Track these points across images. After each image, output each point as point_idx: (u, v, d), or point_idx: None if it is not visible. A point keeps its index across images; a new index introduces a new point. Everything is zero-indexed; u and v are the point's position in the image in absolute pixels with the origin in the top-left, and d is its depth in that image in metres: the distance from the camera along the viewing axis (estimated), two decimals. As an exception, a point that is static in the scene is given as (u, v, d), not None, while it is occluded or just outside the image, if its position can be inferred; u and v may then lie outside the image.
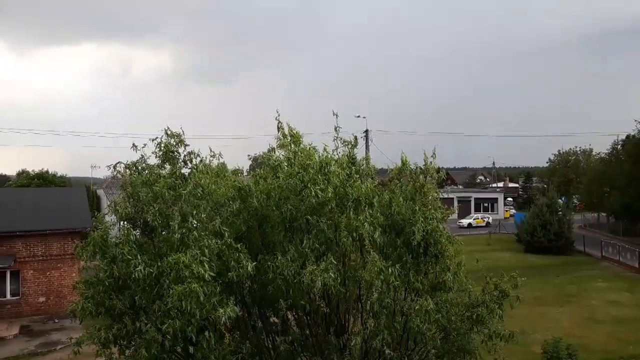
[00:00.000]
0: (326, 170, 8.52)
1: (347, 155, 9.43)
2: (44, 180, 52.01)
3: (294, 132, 9.26)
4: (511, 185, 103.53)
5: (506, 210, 73.57)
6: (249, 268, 7.78)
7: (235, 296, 8.09)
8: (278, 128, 9.28)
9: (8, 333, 20.34)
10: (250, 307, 9.36)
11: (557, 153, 72.78)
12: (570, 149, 72.26)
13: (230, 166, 10.43)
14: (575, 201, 67.35)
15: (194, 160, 9.60)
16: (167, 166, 9.49)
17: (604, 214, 58.30)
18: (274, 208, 8.86)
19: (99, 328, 8.52)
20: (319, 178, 8.34)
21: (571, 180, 67.18)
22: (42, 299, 23.20)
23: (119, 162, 9.48)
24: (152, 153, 9.44)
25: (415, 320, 7.78)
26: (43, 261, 23.28)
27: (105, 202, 43.92)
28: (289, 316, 9.67)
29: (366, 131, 39.92)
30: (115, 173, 9.59)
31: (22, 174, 59.18)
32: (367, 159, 10.37)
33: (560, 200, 47.40)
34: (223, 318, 7.20)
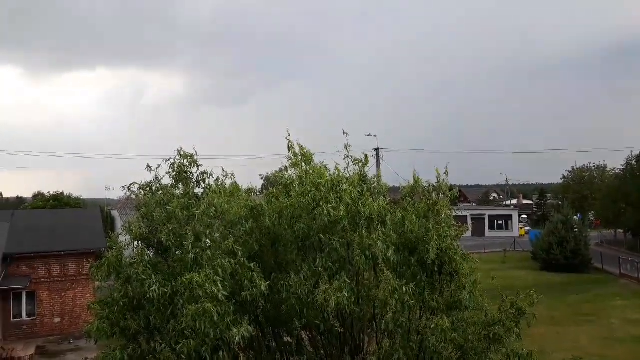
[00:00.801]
0: (338, 189, 8.53)
1: (358, 174, 9.46)
2: (59, 202, 52.61)
3: (305, 151, 9.34)
4: (525, 202, 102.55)
5: (521, 228, 72.81)
6: (263, 287, 7.77)
7: (249, 316, 8.08)
8: (289, 147, 9.36)
9: (24, 354, 20.40)
10: (263, 327, 9.32)
11: (570, 169, 72.19)
12: (584, 165, 71.65)
13: (243, 186, 10.49)
14: (591, 218, 66.39)
15: (207, 180, 9.69)
16: (181, 186, 9.59)
17: (620, 231, 57.43)
18: (287, 227, 8.87)
19: (114, 348, 8.52)
20: (331, 196, 8.35)
21: (586, 196, 66.39)
22: (57, 320, 23.31)
23: (133, 183, 9.61)
24: (166, 173, 9.56)
25: (432, 339, 7.69)
26: (58, 282, 23.46)
27: (119, 223, 44.22)
28: (303, 336, 9.61)
29: (377, 149, 39.92)
30: (129, 194, 9.70)
31: (38, 196, 60.05)
32: (378, 177, 10.37)
33: (576, 217, 46.80)
34: (237, 338, 7.17)
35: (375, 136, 40.68)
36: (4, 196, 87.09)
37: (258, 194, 11.99)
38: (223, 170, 9.90)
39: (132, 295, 8.37)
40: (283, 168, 9.77)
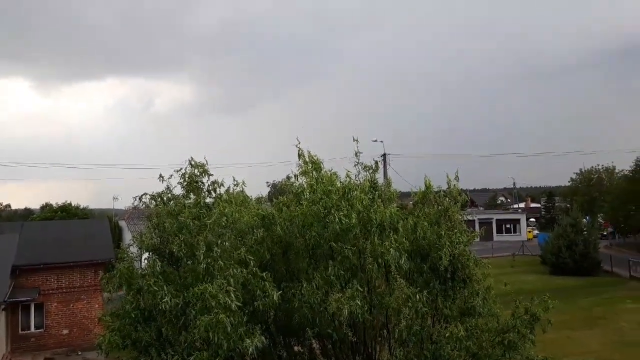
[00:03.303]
0: (349, 196, 8.48)
1: (368, 180, 9.41)
2: (67, 213, 52.74)
3: (315, 159, 9.30)
4: (533, 205, 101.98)
5: (529, 231, 72.40)
6: (275, 297, 7.70)
7: (260, 325, 8.02)
8: (299, 155, 9.33)
9: (33, 366, 20.39)
10: (275, 337, 9.25)
11: (578, 172, 71.75)
12: (592, 167, 71.18)
13: (249, 193, 10.45)
14: (600, 220, 65.90)
15: (217, 189, 9.65)
16: (192, 196, 9.55)
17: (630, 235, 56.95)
18: (298, 235, 8.83)
19: (125, 361, 8.49)
20: (342, 204, 8.30)
21: (595, 198, 65.90)
22: (65, 331, 23.24)
23: (144, 194, 9.59)
24: (178, 184, 9.53)
25: (446, 347, 7.61)
26: (67, 293, 23.39)
27: (126, 233, 44.27)
28: (314, 345, 9.53)
29: (384, 155, 39.83)
30: (141, 204, 9.67)
31: (46, 207, 60.20)
32: (388, 183, 10.32)
33: (585, 219, 46.42)
34: (251, 349, 7.11)
35: (382, 142, 40.66)
36: (12, 207, 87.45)
37: (266, 201, 11.95)
38: (234, 179, 9.88)
39: (144, 307, 8.33)
40: (292, 176, 9.72)
